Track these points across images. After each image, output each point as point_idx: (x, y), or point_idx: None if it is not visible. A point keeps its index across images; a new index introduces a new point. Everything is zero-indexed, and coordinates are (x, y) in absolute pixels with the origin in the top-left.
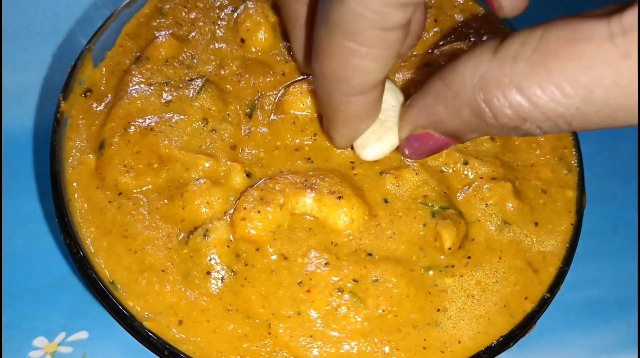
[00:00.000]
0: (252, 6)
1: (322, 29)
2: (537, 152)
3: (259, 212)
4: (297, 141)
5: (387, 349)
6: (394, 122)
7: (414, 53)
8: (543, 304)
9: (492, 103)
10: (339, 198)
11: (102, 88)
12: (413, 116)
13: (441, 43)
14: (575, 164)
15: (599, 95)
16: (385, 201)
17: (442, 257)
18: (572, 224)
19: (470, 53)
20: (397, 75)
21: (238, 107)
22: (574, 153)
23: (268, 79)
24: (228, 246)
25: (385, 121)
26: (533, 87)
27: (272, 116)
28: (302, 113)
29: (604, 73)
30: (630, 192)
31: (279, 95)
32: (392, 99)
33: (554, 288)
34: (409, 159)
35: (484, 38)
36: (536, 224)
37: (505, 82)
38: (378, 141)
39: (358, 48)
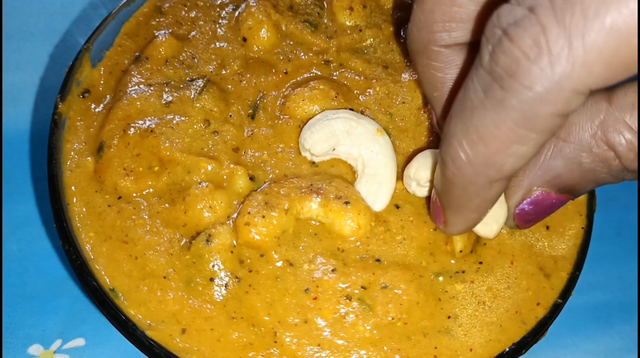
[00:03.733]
0: (254, 4)
1: (487, 115)
2: None
3: (264, 217)
4: None
5: None
6: (383, 171)
7: None
8: (555, 310)
9: (616, 146)
10: (346, 203)
11: (101, 89)
12: (527, 178)
13: None
14: None
15: None
16: (397, 206)
17: (453, 261)
18: (582, 228)
19: (581, 108)
20: (403, 75)
21: (240, 108)
22: None
23: (270, 79)
24: (232, 252)
25: (374, 175)
26: None
27: (275, 118)
28: (308, 116)
29: None
30: (634, 195)
31: (282, 95)
32: (373, 146)
33: (565, 293)
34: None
35: None
36: (547, 227)
37: (627, 126)
38: (379, 199)
39: (528, 134)
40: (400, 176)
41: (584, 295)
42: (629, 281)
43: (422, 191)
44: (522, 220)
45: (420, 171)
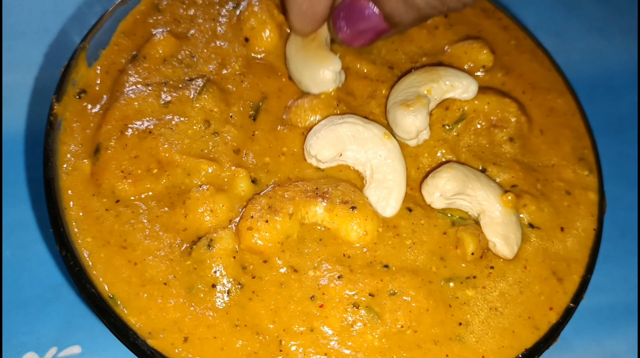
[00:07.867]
0: (257, 3)
1: None
2: (558, 152)
3: (267, 221)
4: None
5: None
6: (393, 176)
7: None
8: (567, 314)
9: None
10: (352, 208)
11: (97, 89)
12: None
13: (454, 39)
14: (596, 166)
15: None
16: (409, 209)
17: (464, 265)
18: (594, 229)
19: None
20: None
21: (241, 108)
22: (593, 153)
23: (273, 80)
24: (234, 258)
25: (384, 181)
26: None
27: (278, 126)
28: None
29: None
30: (636, 195)
31: (286, 106)
32: (381, 150)
33: (577, 297)
34: None
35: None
36: (562, 229)
37: None
38: (389, 205)
39: None
40: (409, 182)
41: (589, 298)
42: (634, 283)
43: (441, 203)
44: (335, 19)
45: (450, 183)
